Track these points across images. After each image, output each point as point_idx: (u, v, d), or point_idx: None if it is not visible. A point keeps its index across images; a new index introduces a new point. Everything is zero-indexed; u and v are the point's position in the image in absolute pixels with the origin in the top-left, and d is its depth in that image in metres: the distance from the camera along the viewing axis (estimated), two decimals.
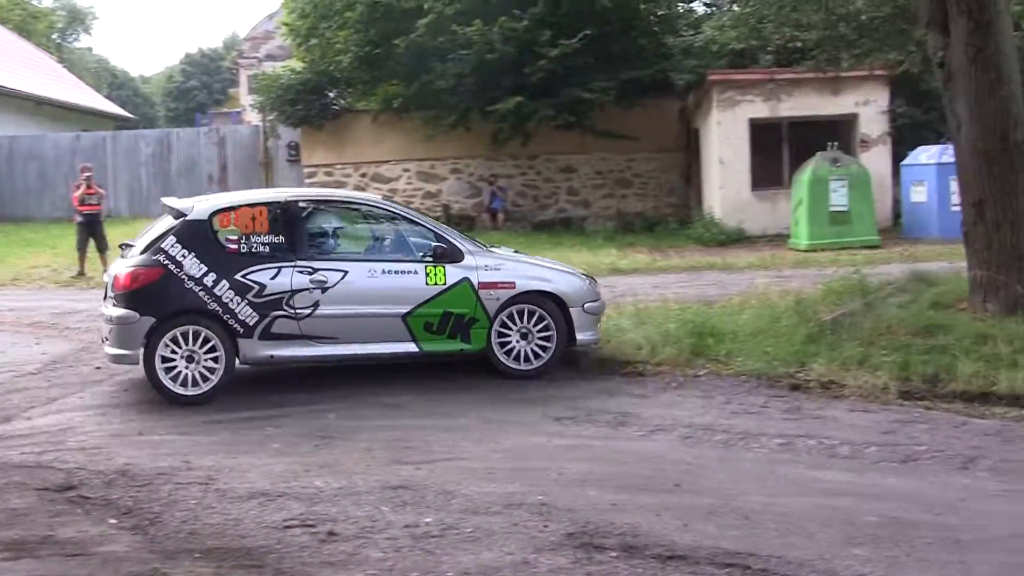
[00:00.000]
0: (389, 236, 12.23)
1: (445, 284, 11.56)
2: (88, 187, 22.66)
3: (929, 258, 18.97)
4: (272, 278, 11.20)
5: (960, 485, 7.98)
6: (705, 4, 35.20)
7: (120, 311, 11.13)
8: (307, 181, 32.17)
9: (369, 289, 11.45)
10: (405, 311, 11.44)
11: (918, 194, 24.75)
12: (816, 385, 10.99)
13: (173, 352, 10.99)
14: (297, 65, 32.91)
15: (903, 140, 27.60)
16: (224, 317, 11.08)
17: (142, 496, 7.98)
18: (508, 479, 8.14)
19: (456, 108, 28.69)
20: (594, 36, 26.97)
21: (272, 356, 11.37)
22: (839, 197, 23.32)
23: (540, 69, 26.67)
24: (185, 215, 11.43)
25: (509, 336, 11.81)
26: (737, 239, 25.74)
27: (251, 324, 11.15)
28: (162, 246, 11.20)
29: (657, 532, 6.85)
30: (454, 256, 11.68)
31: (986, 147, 12.41)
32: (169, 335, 11.00)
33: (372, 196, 12.98)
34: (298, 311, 11.23)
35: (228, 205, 11.74)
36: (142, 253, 11.30)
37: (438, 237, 11.83)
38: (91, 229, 22.33)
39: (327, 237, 12.15)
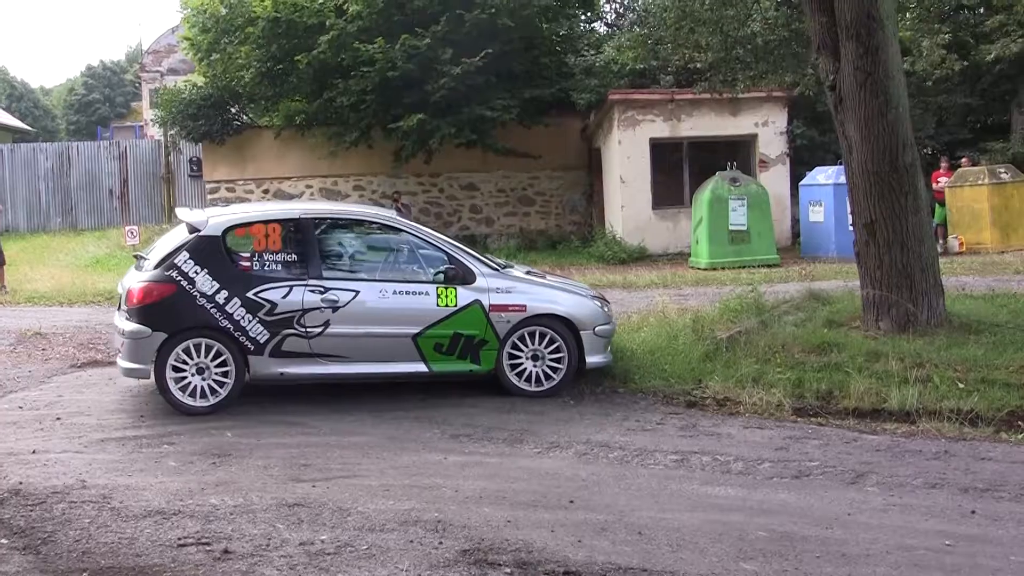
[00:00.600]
0: (402, 255, 12.21)
1: (456, 306, 11.62)
2: None
3: (826, 276, 19.29)
4: (284, 296, 11.32)
5: (849, 500, 8.16)
6: (607, 24, 35.56)
7: (132, 326, 11.25)
8: (209, 197, 31.88)
9: (380, 309, 11.52)
10: (415, 332, 11.52)
11: (816, 214, 25.11)
12: (712, 402, 11.19)
13: (184, 363, 11.15)
14: (199, 80, 32.64)
15: (801, 160, 28.03)
16: (235, 334, 11.23)
17: (35, 515, 7.92)
18: (404, 496, 8.19)
19: (358, 125, 28.58)
20: (496, 55, 27.00)
21: (282, 373, 11.48)
22: (738, 216, 23.58)
23: (442, 87, 26.66)
24: (199, 230, 11.53)
25: (520, 357, 11.83)
26: (639, 257, 25.92)
27: (262, 342, 11.29)
28: (175, 261, 11.33)
29: (551, 548, 6.93)
30: (465, 278, 11.72)
31: (876, 169, 12.68)
32: (180, 347, 11.14)
33: (387, 213, 13.00)
34: (309, 330, 11.34)
35: (242, 221, 11.83)
36: (155, 267, 11.41)
37: (450, 258, 11.84)
38: None
39: (340, 255, 12.19)
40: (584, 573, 6.51)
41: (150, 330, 11.14)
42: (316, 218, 12.02)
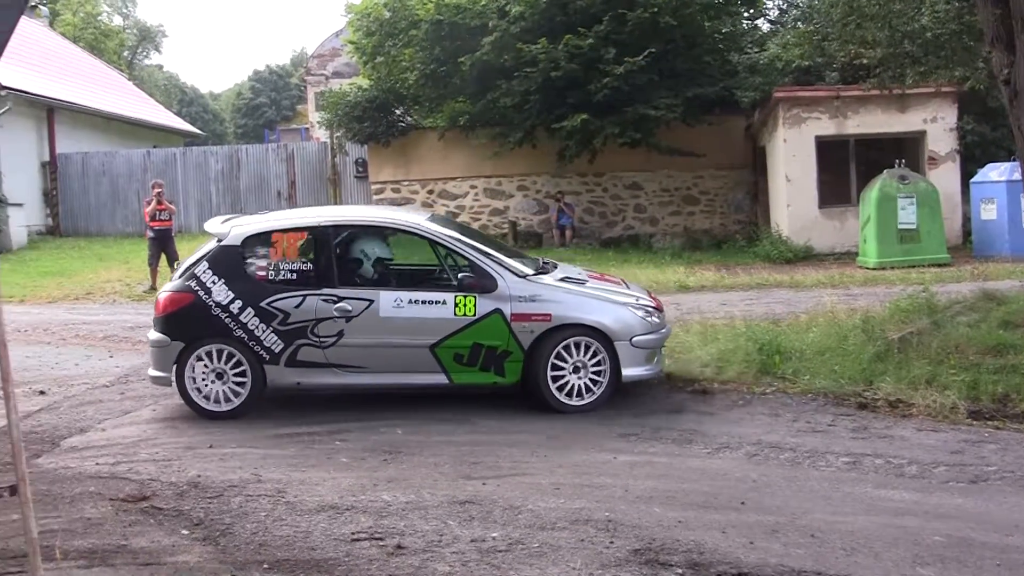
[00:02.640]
0: (421, 263, 12.14)
1: (475, 315, 11.22)
2: (159, 203, 22.95)
3: (999, 276, 18.82)
4: (297, 306, 11.30)
5: None
6: (770, 21, 35.17)
7: (155, 335, 11.66)
8: (375, 198, 32.35)
9: (395, 319, 11.27)
10: (433, 342, 11.20)
11: (988, 212, 24.45)
12: (884, 404, 10.92)
13: (205, 368, 11.34)
14: (364, 82, 33.12)
15: (972, 157, 27.30)
16: (250, 344, 11.31)
17: (213, 508, 8.15)
18: (575, 495, 8.20)
19: (522, 125, 28.73)
20: (659, 53, 26.93)
21: (299, 383, 11.50)
22: (907, 215, 23.09)
23: (605, 87, 26.63)
24: (221, 240, 11.73)
25: (563, 369, 11.28)
26: (805, 257, 25.55)
27: (277, 351, 11.31)
28: (195, 272, 11.55)
29: (723, 550, 6.88)
30: (485, 286, 11.28)
31: None
32: (196, 355, 11.34)
33: (412, 218, 12.36)
34: (323, 339, 11.28)
35: (261, 230, 11.91)
36: (179, 277, 11.73)
37: (471, 265, 11.48)
38: (162, 244, 22.68)
39: (356, 263, 12.03)
40: (756, 575, 6.44)
41: (169, 339, 11.47)
42: (334, 225, 11.88)
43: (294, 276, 11.48)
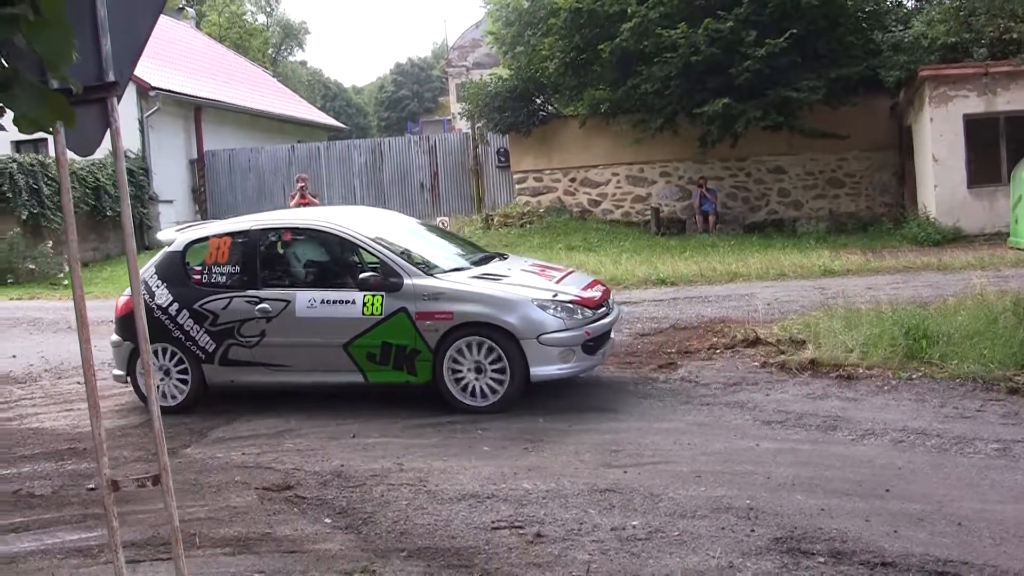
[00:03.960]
0: (338, 264, 12.23)
1: (381, 314, 11.21)
2: (303, 196, 23.33)
3: None
4: (224, 308, 11.80)
5: None
6: None
7: (113, 336, 12.53)
8: (516, 187, 32.59)
9: (309, 319, 11.49)
10: (345, 341, 11.32)
11: None
12: None
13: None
14: (504, 72, 33.31)
15: None
16: (187, 344, 11.91)
17: (356, 496, 8.31)
18: (715, 483, 8.15)
19: (663, 111, 28.55)
20: (800, 35, 26.60)
21: (232, 381, 12.05)
22: None
23: (746, 70, 26.40)
24: (168, 247, 12.50)
25: (462, 369, 11.08)
26: (953, 238, 25.03)
27: (210, 351, 11.87)
28: (144, 277, 12.11)
29: (866, 538, 6.78)
30: (390, 285, 11.21)
31: None
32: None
33: (345, 219, 12.35)
34: (248, 339, 11.73)
35: (200, 236, 12.47)
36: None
37: (381, 265, 11.44)
38: None
39: (282, 265, 12.35)
40: (900, 565, 6.33)
41: (121, 340, 12.24)
42: (261, 229, 12.28)
43: (223, 279, 12.00)
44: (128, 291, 11.98)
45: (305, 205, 23.16)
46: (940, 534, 6.86)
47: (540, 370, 10.92)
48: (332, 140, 43.19)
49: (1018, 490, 7.82)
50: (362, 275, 11.39)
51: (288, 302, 11.57)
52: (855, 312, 13.80)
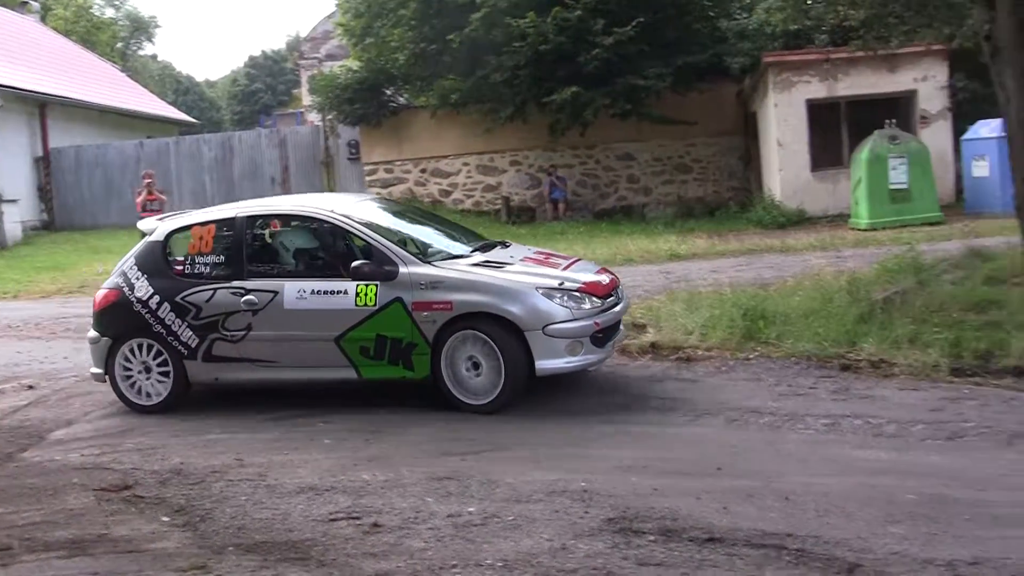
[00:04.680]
0: (328, 251, 11.54)
1: (375, 305, 10.46)
2: (150, 193, 23.02)
3: (990, 233, 18.71)
4: (207, 300, 11.12)
5: (1005, 461, 7.98)
6: None
7: (91, 331, 11.82)
8: (367, 179, 32.42)
9: (298, 311, 10.77)
10: (336, 334, 10.60)
11: (980, 169, 24.37)
12: (866, 365, 10.90)
13: (129, 363, 11.47)
14: (354, 64, 33.12)
15: (964, 115, 27.10)
16: (168, 339, 11.24)
17: (194, 494, 8.22)
18: (552, 467, 8.25)
19: (513, 101, 28.65)
20: (648, 23, 26.88)
21: (216, 379, 11.38)
22: (899, 175, 23.04)
23: (595, 58, 26.61)
24: (148, 237, 11.83)
25: (459, 363, 10.39)
26: (798, 221, 25.48)
27: (193, 346, 11.19)
28: (124, 268, 11.67)
29: (696, 515, 6.91)
30: (384, 273, 10.47)
31: None
32: (123, 350, 11.45)
33: (326, 206, 11.51)
34: (233, 334, 11.04)
35: (182, 225, 11.81)
36: (113, 274, 11.85)
37: (372, 252, 10.71)
38: None
39: (269, 254, 11.70)
40: (728, 539, 6.47)
41: (99, 335, 11.63)
42: (247, 216, 11.57)
43: (207, 270, 11.33)
44: (107, 284, 11.80)
45: (152, 201, 22.87)
46: (768, 508, 7.02)
47: (546, 364, 10.14)
48: (183, 135, 42.60)
49: (844, 463, 8.05)
50: (354, 263, 10.60)
51: (276, 293, 10.84)
52: (696, 295, 14.05)
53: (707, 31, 29.73)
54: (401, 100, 32.91)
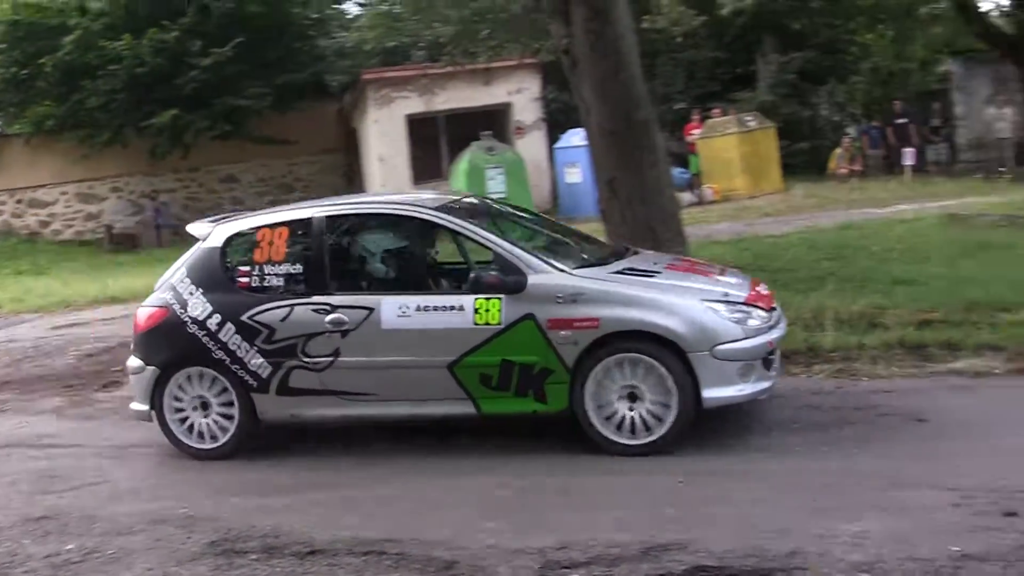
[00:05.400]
0: (434, 259, 9.92)
1: (500, 323, 8.30)
2: None
3: None
4: (283, 320, 8.84)
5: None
6: (359, 4, 35.53)
7: (131, 359, 9.53)
8: None
9: (400, 331, 8.57)
10: (451, 360, 8.40)
11: (573, 175, 25.39)
12: None
13: (181, 397, 9.16)
14: None
15: (558, 125, 28.18)
16: (233, 368, 8.95)
17: None
18: (153, 496, 8.10)
19: (110, 125, 28.19)
20: (247, 43, 26.90)
21: (293, 415, 9.01)
22: (496, 184, 23.73)
23: (193, 80, 26.50)
24: (202, 242, 9.53)
25: (610, 396, 8.20)
26: None
27: (264, 376, 8.89)
28: (172, 281, 9.36)
29: (298, 531, 6.92)
30: (510, 285, 8.33)
31: (613, 128, 12.84)
32: (174, 382, 9.14)
33: (429, 204, 9.25)
34: (316, 360, 8.75)
35: (245, 228, 9.49)
36: (157, 288, 9.53)
37: (496, 258, 8.67)
38: None
39: (358, 263, 9.42)
40: (329, 550, 6.53)
41: (143, 363, 9.29)
42: (330, 216, 9.24)
43: (281, 282, 9.04)
44: (150, 300, 9.49)
45: None
46: (370, 516, 7.14)
47: (714, 392, 8.07)
48: None
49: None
50: (472, 273, 8.73)
51: (371, 310, 8.58)
52: None
53: (307, 50, 30.10)
54: None
